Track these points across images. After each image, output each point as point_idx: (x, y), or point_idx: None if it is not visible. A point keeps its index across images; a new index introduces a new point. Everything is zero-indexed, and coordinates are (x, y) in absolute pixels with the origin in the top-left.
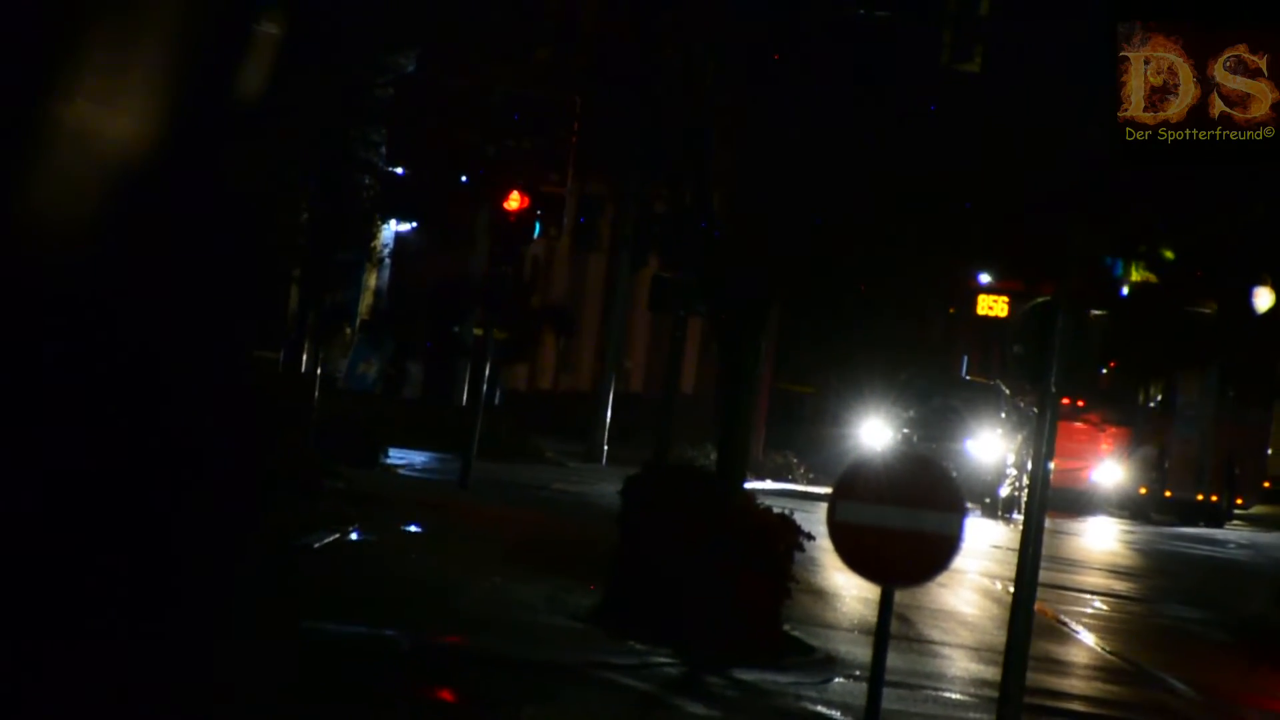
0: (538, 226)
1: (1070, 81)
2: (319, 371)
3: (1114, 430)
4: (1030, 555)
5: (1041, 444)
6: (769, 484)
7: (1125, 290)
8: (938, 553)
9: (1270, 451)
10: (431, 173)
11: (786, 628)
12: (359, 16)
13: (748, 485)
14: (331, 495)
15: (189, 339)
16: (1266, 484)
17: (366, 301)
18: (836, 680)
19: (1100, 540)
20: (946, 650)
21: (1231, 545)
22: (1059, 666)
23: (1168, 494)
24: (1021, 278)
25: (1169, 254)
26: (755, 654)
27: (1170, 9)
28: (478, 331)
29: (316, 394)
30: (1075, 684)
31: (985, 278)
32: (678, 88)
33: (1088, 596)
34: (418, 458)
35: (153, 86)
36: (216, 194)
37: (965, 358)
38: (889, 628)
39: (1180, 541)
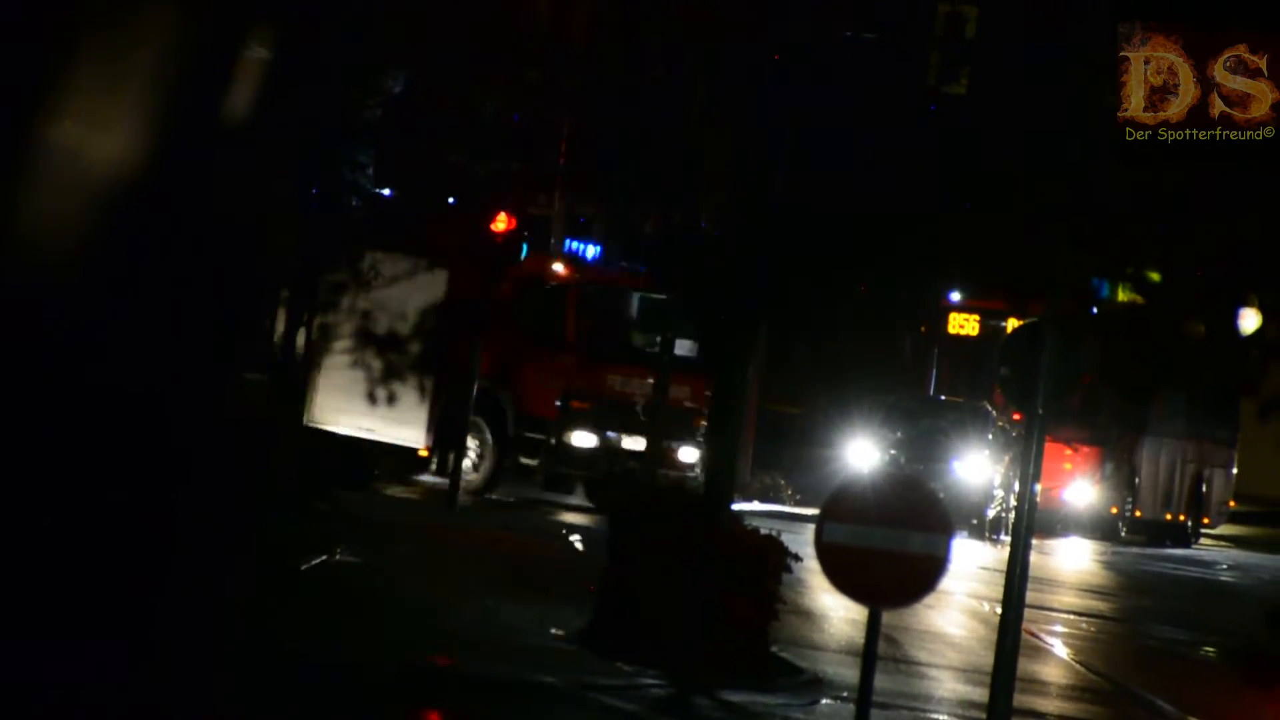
0: (524, 248)
1: (1057, 106)
2: (307, 393)
3: (1085, 450)
4: (1017, 576)
5: (1028, 465)
6: (756, 505)
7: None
8: (925, 574)
9: (1235, 471)
10: (419, 194)
11: (774, 649)
12: (347, 38)
13: (735, 506)
14: (320, 516)
15: (180, 360)
16: (1233, 503)
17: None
18: (824, 701)
19: (1077, 560)
20: (934, 671)
21: (1220, 566)
22: (1045, 687)
23: (1138, 514)
24: (1004, 298)
25: (1155, 275)
26: (743, 675)
27: (1170, 9)
28: None
29: (304, 415)
30: (1061, 705)
31: (956, 296)
32: (667, 109)
33: (1072, 617)
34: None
35: (142, 107)
36: (206, 215)
37: (934, 374)
38: (876, 649)
39: (1163, 563)
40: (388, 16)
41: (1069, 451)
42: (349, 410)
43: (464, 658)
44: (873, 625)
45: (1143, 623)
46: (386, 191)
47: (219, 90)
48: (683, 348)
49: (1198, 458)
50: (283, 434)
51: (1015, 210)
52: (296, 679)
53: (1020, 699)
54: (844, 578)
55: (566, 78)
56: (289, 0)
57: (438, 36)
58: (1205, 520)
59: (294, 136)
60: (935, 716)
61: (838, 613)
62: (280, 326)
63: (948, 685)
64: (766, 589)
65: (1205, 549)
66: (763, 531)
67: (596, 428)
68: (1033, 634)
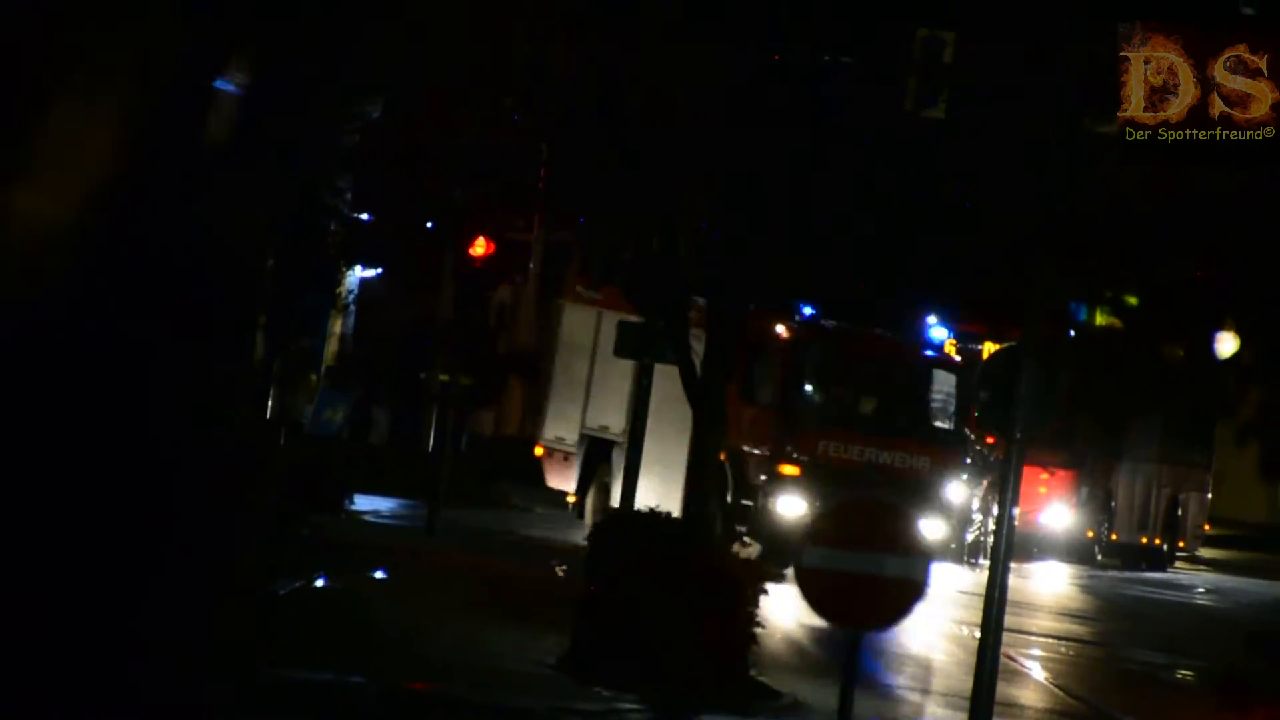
0: (504, 273)
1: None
2: (285, 417)
3: (1061, 474)
4: (996, 600)
5: (1007, 490)
6: (736, 528)
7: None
8: (903, 598)
9: (1210, 495)
10: (397, 219)
11: (753, 673)
12: (325, 65)
13: (715, 527)
14: (298, 541)
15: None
16: (1208, 527)
17: (332, 348)
18: None
19: (1055, 584)
20: (913, 695)
21: (1197, 590)
22: (1023, 711)
23: (1114, 537)
24: (982, 321)
25: (1133, 299)
26: (722, 699)
27: (1170, 9)
28: (444, 378)
29: (282, 440)
30: None
31: (932, 319)
32: (646, 135)
33: (1050, 641)
34: (384, 504)
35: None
36: (186, 241)
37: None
38: (855, 673)
39: (1140, 586)
40: (367, 43)
41: (1045, 475)
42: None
43: (443, 683)
44: (852, 649)
45: (1121, 646)
46: (365, 216)
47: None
48: (940, 417)
49: (1173, 482)
50: (261, 459)
51: (993, 234)
52: (275, 705)
53: None
54: (823, 602)
55: (546, 103)
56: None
57: (416, 62)
58: (1181, 544)
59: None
60: None
61: (817, 636)
62: (259, 351)
63: (928, 710)
64: (745, 613)
65: (1181, 572)
66: (742, 555)
67: (809, 495)
68: (1011, 658)
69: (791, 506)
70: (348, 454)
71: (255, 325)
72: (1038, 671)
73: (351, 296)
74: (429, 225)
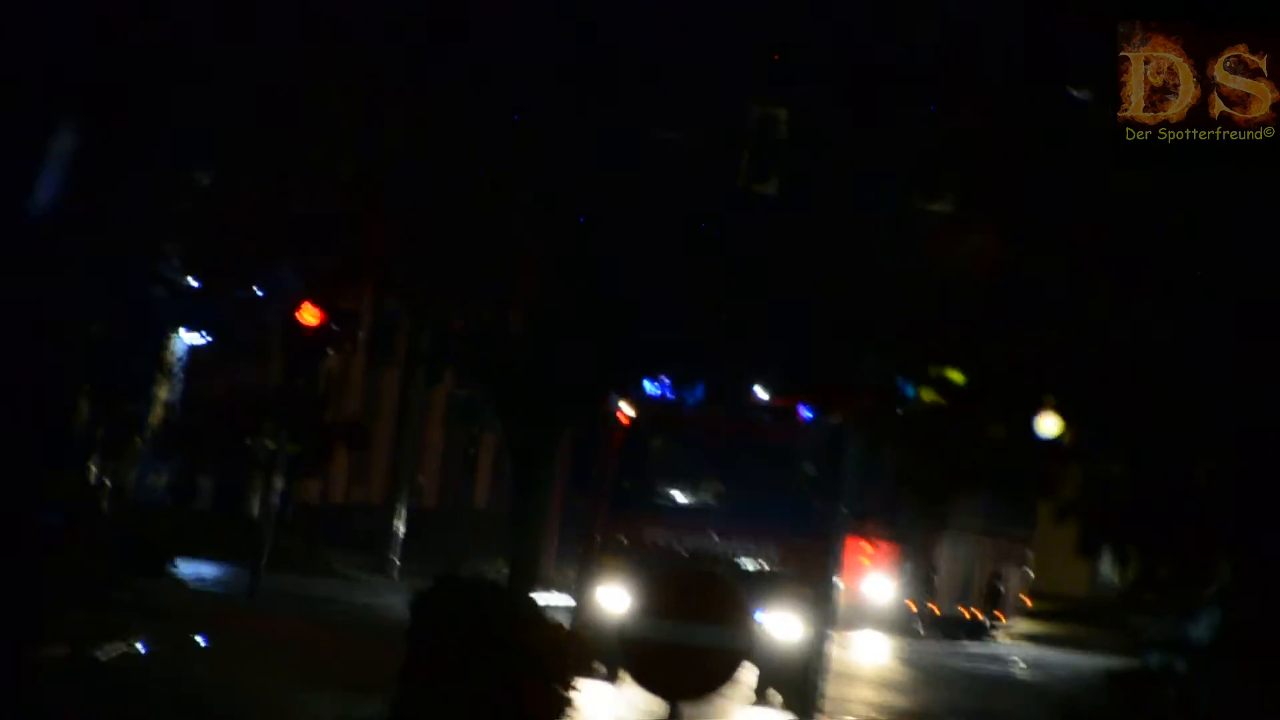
0: (333, 341)
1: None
2: (108, 483)
3: (885, 545)
4: (815, 669)
5: (829, 561)
6: (560, 598)
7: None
8: (721, 666)
9: (1031, 571)
10: (226, 285)
11: None
12: (154, 131)
13: (539, 599)
14: (119, 607)
15: None
16: (1028, 600)
17: (158, 413)
18: None
19: (876, 655)
20: None
21: (1016, 662)
22: None
23: (935, 609)
24: (808, 398)
25: (959, 378)
26: None
27: (1170, 9)
28: (271, 444)
29: (105, 505)
30: None
31: (762, 393)
32: (476, 210)
33: (872, 715)
34: (207, 569)
35: None
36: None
37: None
38: None
39: (960, 658)
40: (198, 111)
41: (868, 547)
42: None
43: None
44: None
45: (939, 718)
46: (194, 283)
47: (21, 185)
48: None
49: (995, 555)
50: (80, 525)
51: (821, 311)
52: None
53: None
54: (644, 672)
55: (378, 172)
56: (95, 96)
57: (248, 129)
58: (1002, 617)
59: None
60: None
61: (644, 704)
62: (83, 416)
63: None
64: (566, 682)
65: (1001, 645)
66: (566, 626)
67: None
68: None
69: (612, 599)
70: (171, 519)
71: (79, 391)
72: None
73: (179, 363)
74: (258, 293)
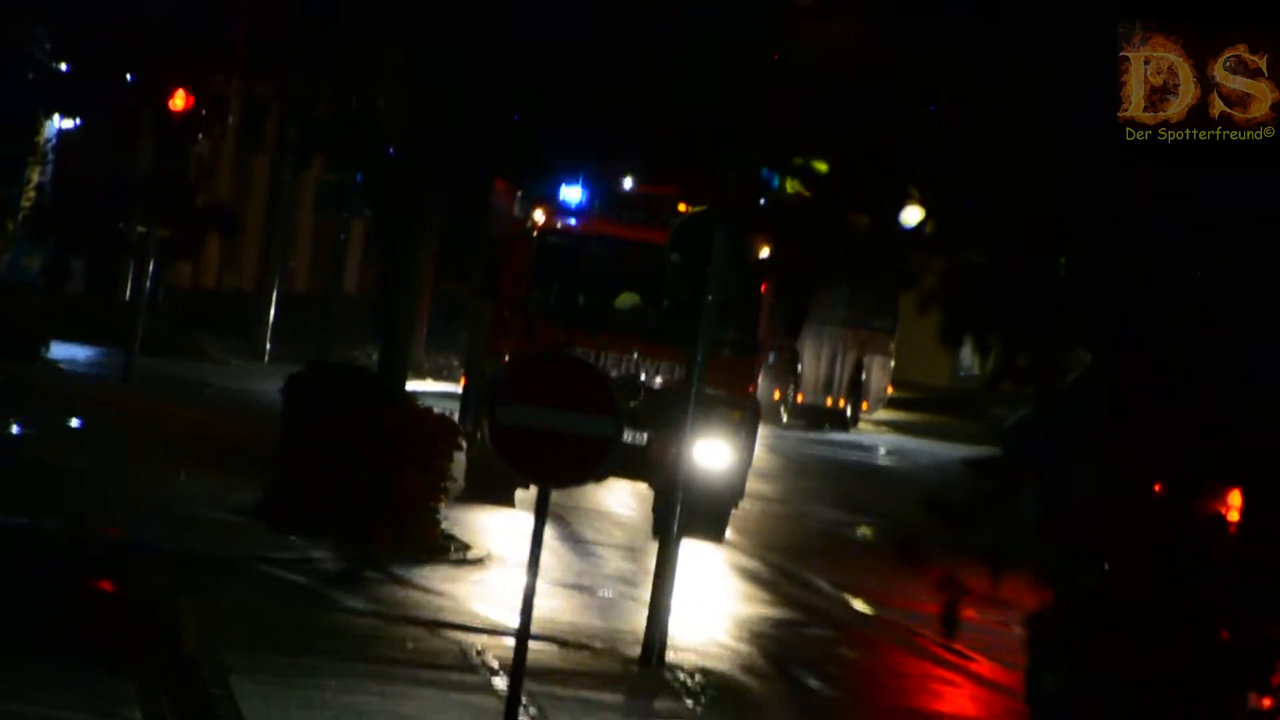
0: (203, 126)
1: None
2: None
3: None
4: (679, 459)
5: (696, 351)
6: (430, 384)
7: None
8: (593, 454)
9: (893, 362)
10: (97, 70)
11: (444, 525)
12: None
13: (409, 385)
14: None
15: None
16: (891, 390)
17: (30, 196)
18: (493, 573)
19: None
20: (602, 550)
21: (880, 450)
22: (708, 567)
23: (799, 399)
24: (675, 186)
25: (823, 167)
26: (414, 550)
27: (1170, 9)
28: (142, 229)
29: None
30: (724, 585)
31: (628, 182)
32: None
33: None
34: (80, 353)
35: None
36: None
37: None
38: (544, 526)
39: (824, 446)
40: None
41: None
42: None
43: (137, 529)
44: (541, 503)
45: (805, 504)
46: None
47: None
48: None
49: (858, 346)
50: None
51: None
52: None
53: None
54: (515, 457)
55: None
56: None
57: None
58: (865, 406)
59: None
60: (604, 593)
61: (519, 496)
62: None
63: (613, 563)
64: (437, 467)
65: (865, 434)
66: (435, 411)
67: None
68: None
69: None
70: (44, 302)
71: None
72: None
73: (50, 146)
74: (128, 77)
